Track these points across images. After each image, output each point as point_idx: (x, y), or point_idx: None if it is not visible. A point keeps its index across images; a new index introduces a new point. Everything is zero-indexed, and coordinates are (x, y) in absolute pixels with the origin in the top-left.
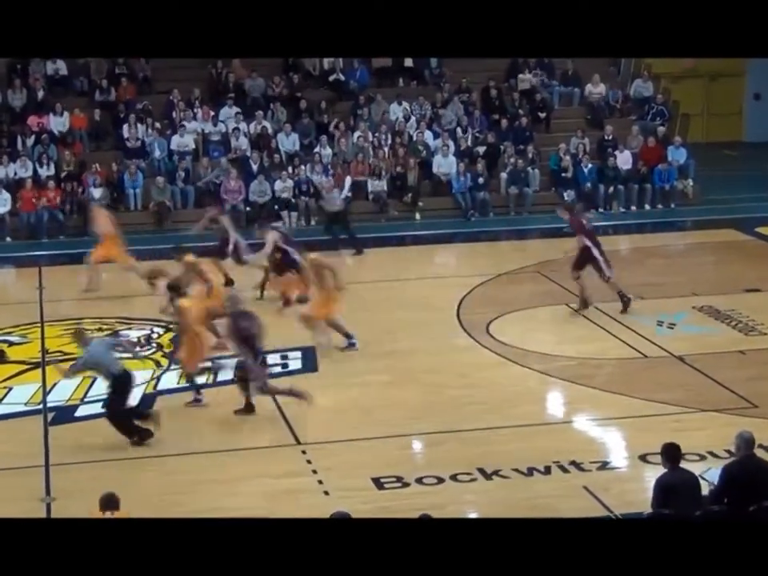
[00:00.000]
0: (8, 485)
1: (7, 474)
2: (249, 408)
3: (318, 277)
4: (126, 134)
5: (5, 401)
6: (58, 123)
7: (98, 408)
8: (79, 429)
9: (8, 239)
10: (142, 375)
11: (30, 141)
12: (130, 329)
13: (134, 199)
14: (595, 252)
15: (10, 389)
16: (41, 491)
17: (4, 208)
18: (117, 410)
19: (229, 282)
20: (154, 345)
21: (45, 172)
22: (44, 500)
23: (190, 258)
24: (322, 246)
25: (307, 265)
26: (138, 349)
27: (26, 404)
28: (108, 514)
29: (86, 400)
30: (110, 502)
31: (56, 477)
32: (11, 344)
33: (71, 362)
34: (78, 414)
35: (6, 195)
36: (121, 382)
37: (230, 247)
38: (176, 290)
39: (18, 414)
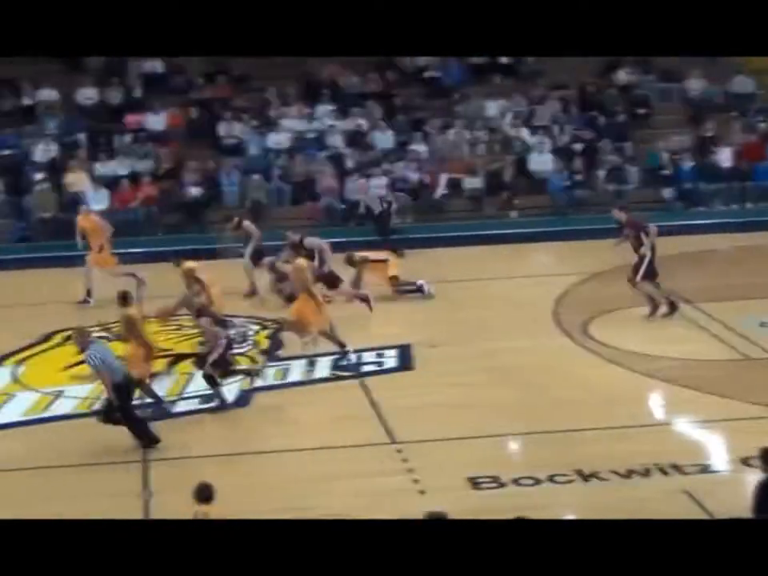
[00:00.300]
0: (106, 480)
1: (105, 468)
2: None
3: (304, 283)
4: (222, 132)
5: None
6: (155, 121)
7: (195, 404)
8: (176, 425)
9: None
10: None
11: (128, 139)
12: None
13: (230, 197)
14: (647, 253)
15: None
16: (138, 486)
17: (102, 205)
18: (130, 414)
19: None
20: (250, 342)
21: (142, 170)
22: (142, 495)
23: (190, 264)
24: (381, 247)
25: (293, 272)
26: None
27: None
28: (203, 506)
29: (183, 396)
30: (204, 492)
31: (153, 472)
32: (110, 340)
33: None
34: (175, 410)
35: (104, 192)
36: (126, 387)
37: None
38: (124, 299)
39: None
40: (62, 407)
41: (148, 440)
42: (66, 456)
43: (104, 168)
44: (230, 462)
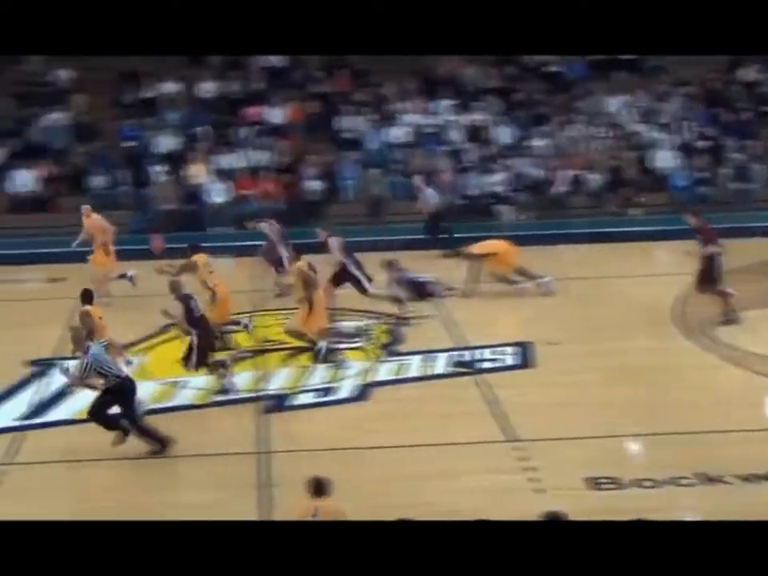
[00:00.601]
0: (222, 471)
1: (221, 460)
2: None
3: (306, 287)
4: (341, 126)
5: (225, 387)
6: (274, 115)
7: (312, 397)
8: (294, 417)
9: (224, 228)
10: (357, 365)
11: (247, 132)
12: (347, 320)
13: (349, 191)
14: (718, 260)
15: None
16: (253, 478)
17: (220, 198)
18: (101, 410)
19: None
20: (365, 336)
21: (261, 163)
22: (260, 486)
23: (200, 258)
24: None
25: (295, 274)
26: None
27: (242, 391)
28: (317, 501)
29: (302, 389)
30: (319, 487)
31: (270, 464)
32: (233, 331)
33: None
34: (293, 402)
35: (223, 185)
36: (127, 387)
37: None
38: (85, 298)
39: (234, 401)
40: (181, 398)
41: (159, 443)
42: (182, 446)
43: (223, 161)
44: (347, 456)
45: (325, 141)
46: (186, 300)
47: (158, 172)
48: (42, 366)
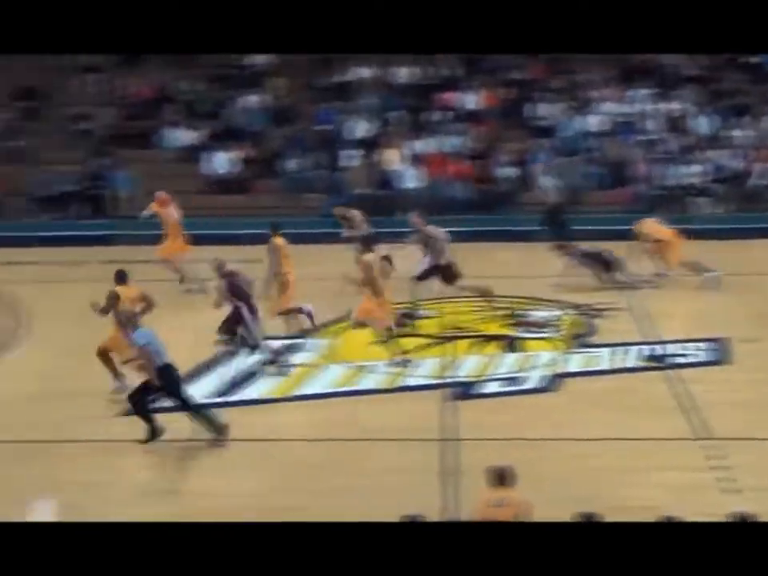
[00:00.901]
0: (404, 456)
1: (404, 445)
2: None
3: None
4: (536, 114)
5: (410, 373)
6: (469, 101)
7: (499, 386)
8: (482, 405)
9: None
10: (546, 357)
11: (441, 117)
12: (537, 309)
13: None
14: None
15: (412, 361)
16: (436, 465)
17: (413, 183)
18: (142, 395)
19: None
20: (557, 327)
21: (454, 148)
22: (443, 474)
23: (279, 241)
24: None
25: (360, 267)
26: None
27: (430, 377)
28: (500, 492)
29: (492, 377)
30: (502, 477)
31: (456, 452)
32: (421, 318)
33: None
34: (482, 390)
35: (416, 170)
36: (166, 373)
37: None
38: (118, 279)
39: (420, 387)
40: (368, 381)
41: (216, 427)
42: (364, 429)
43: (417, 146)
44: (532, 447)
45: (518, 128)
46: (229, 277)
47: (352, 156)
48: (235, 346)
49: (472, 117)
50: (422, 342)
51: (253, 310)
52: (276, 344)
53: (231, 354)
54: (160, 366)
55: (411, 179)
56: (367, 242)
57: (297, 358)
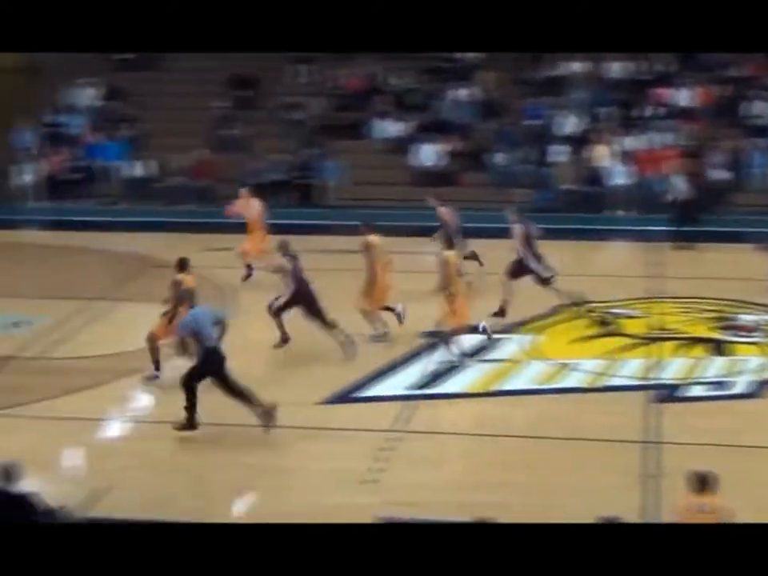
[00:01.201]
0: (605, 457)
1: (605, 446)
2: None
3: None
4: (751, 112)
5: (613, 373)
6: (682, 97)
7: (705, 390)
8: (688, 409)
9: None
10: (755, 362)
11: (652, 114)
12: (747, 313)
13: (758, 180)
14: None
15: (619, 362)
16: (636, 467)
17: (621, 180)
18: (191, 381)
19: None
20: (763, 332)
21: (664, 145)
22: (645, 476)
23: (375, 239)
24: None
25: (443, 264)
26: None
27: (633, 378)
28: (702, 498)
29: (697, 380)
30: (703, 482)
31: (659, 455)
32: (626, 317)
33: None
34: (688, 393)
35: (626, 167)
36: (210, 357)
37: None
38: (180, 266)
39: (624, 387)
40: (570, 380)
41: (261, 408)
42: (563, 428)
43: (627, 142)
44: (737, 453)
45: (733, 126)
46: (292, 259)
47: (560, 152)
48: (436, 339)
49: (685, 114)
50: (627, 342)
51: (311, 299)
52: (475, 339)
53: (432, 347)
54: (207, 348)
55: (620, 176)
56: (449, 239)
57: (499, 354)
